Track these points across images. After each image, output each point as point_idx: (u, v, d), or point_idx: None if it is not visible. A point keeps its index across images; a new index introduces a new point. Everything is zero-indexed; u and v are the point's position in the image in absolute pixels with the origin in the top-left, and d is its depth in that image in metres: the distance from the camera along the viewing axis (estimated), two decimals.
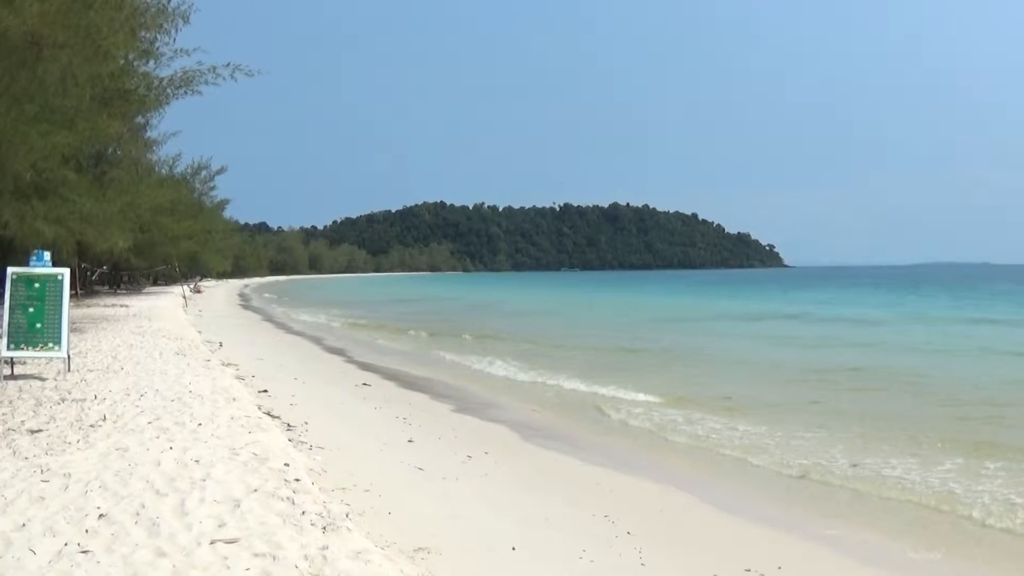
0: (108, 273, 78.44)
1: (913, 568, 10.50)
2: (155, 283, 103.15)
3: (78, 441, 12.12)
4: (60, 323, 18.72)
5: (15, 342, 18.54)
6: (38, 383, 18.04)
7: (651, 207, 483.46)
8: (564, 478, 14.49)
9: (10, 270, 19.15)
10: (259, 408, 16.68)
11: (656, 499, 13.28)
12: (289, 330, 49.04)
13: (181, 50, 30.76)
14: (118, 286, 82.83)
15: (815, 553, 10.95)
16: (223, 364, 24.51)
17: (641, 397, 23.25)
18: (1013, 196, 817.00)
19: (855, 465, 15.43)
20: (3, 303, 19.28)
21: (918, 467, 15.18)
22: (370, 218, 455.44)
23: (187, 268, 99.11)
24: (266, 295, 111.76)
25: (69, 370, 19.30)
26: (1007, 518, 12.21)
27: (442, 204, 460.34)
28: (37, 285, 18.77)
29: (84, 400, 15.89)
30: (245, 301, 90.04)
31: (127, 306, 51.83)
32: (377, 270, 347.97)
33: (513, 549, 9.86)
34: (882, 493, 13.68)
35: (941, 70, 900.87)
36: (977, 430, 18.47)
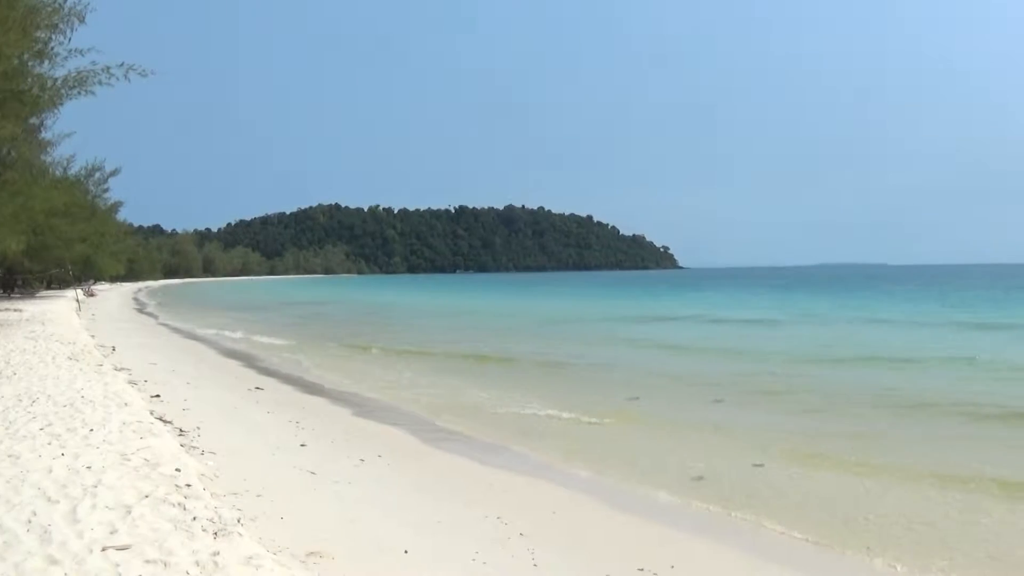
0: (1, 277, 76.98)
1: (810, 565, 10.70)
2: (48, 287, 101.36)
3: None
4: None
5: None
6: None
7: (546, 209, 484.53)
8: (458, 480, 14.54)
9: None
10: (151, 413, 16.48)
11: (550, 500, 13.38)
12: (183, 334, 48.30)
13: (75, 50, 30.47)
14: (11, 290, 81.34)
15: (710, 551, 11.10)
16: (116, 368, 24.20)
17: (535, 399, 23.38)
18: (909, 198, 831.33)
19: (759, 465, 15.70)
20: None
21: (820, 468, 15.47)
22: (264, 220, 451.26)
23: (80, 271, 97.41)
24: (160, 299, 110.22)
25: None
26: (902, 517, 12.53)
27: (337, 206, 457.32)
28: None
29: None
30: (139, 305, 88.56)
31: (20, 310, 50.89)
32: (271, 273, 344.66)
33: (406, 552, 9.88)
34: (782, 493, 13.91)
35: (824, 71, 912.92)
36: (874, 433, 18.75)
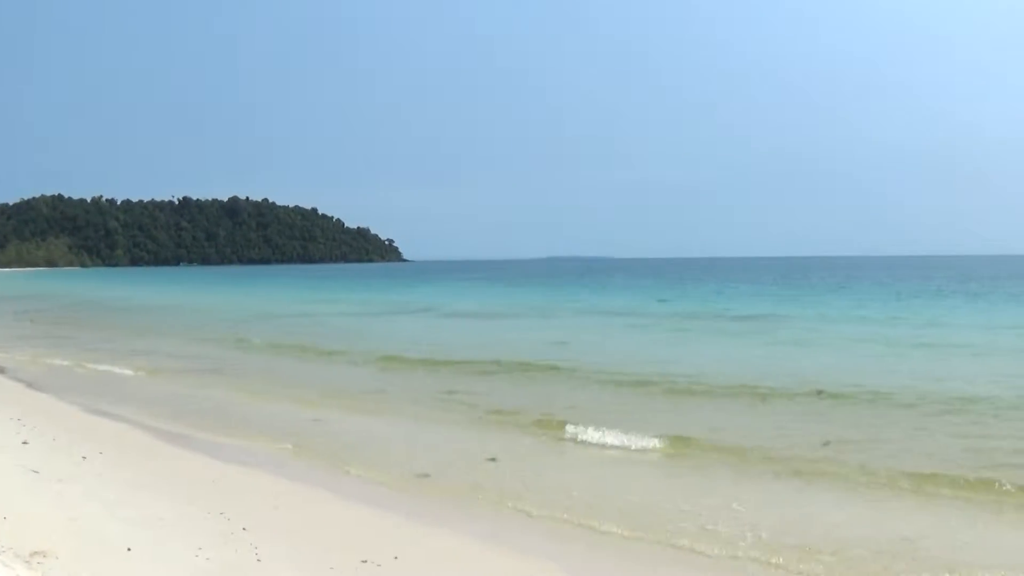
0: None
1: (535, 552, 10.99)
2: None
3: None
4: None
5: None
6: None
7: (271, 201, 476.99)
8: (181, 476, 14.47)
9: None
10: None
11: (273, 493, 13.45)
12: None
13: None
14: None
15: (435, 541, 11.33)
16: None
17: (257, 393, 23.42)
18: (628, 193, 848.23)
19: (493, 459, 15.99)
20: None
21: (552, 460, 16.10)
22: None
23: None
24: None
25: None
26: (619, 501, 13.16)
27: (60, 197, 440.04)
28: None
29: None
30: None
31: None
32: None
33: (129, 550, 9.82)
34: (512, 485, 14.23)
35: (548, 85, 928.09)
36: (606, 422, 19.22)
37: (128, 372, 28.60)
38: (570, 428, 18.04)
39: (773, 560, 10.55)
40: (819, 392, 22.34)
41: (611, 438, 17.16)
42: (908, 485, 13.69)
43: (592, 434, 17.49)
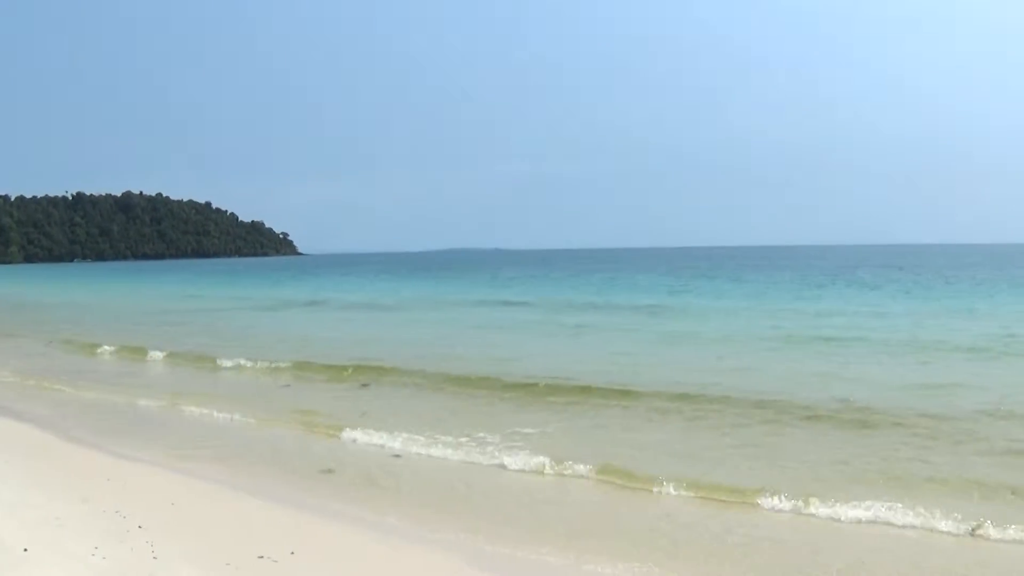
0: None
1: (435, 544, 11.04)
2: None
3: None
4: None
5: None
6: None
7: (164, 195, 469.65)
8: (76, 475, 14.34)
9: None
10: None
11: (170, 491, 13.32)
12: None
13: None
14: None
15: (333, 537, 11.31)
16: None
17: (168, 391, 23.22)
18: (525, 186, 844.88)
19: (397, 456, 16.03)
20: None
21: (453, 453, 16.05)
22: None
23: None
24: None
25: None
26: (513, 495, 13.47)
27: None
28: None
29: None
30: None
31: None
32: None
33: (25, 551, 9.73)
34: (417, 479, 14.40)
35: (417, 68, 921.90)
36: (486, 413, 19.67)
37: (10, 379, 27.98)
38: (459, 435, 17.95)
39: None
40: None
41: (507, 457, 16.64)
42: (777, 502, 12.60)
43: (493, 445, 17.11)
